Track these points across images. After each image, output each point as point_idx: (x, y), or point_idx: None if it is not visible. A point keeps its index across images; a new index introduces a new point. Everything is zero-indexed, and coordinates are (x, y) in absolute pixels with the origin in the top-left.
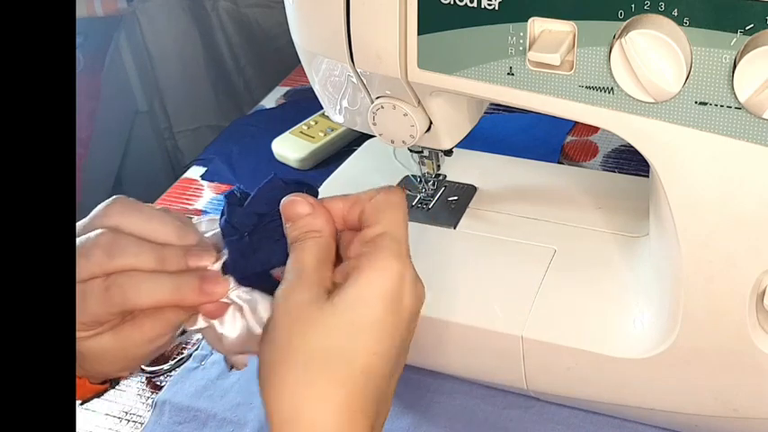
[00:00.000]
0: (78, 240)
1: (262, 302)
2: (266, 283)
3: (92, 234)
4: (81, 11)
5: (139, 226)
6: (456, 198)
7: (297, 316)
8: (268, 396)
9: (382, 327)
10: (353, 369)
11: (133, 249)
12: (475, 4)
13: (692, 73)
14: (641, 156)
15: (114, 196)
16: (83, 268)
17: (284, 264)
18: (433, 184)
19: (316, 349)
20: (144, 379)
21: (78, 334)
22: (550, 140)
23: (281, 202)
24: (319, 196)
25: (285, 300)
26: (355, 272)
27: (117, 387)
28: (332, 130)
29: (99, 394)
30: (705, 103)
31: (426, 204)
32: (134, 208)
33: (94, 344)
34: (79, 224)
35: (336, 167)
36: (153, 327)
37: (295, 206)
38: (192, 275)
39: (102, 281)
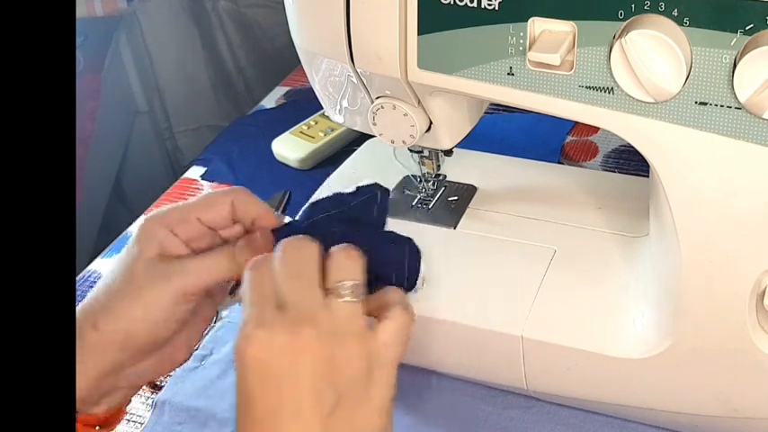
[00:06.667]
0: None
1: None
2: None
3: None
4: (81, 11)
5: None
6: (456, 198)
7: None
8: None
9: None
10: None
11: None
12: (475, 4)
13: (691, 73)
14: (641, 156)
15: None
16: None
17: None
18: (433, 184)
19: None
20: None
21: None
22: (550, 140)
23: None
24: (319, 196)
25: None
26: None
27: None
28: (332, 130)
29: None
30: (705, 103)
31: (426, 204)
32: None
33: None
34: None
35: (336, 167)
36: (209, 310)
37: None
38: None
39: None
